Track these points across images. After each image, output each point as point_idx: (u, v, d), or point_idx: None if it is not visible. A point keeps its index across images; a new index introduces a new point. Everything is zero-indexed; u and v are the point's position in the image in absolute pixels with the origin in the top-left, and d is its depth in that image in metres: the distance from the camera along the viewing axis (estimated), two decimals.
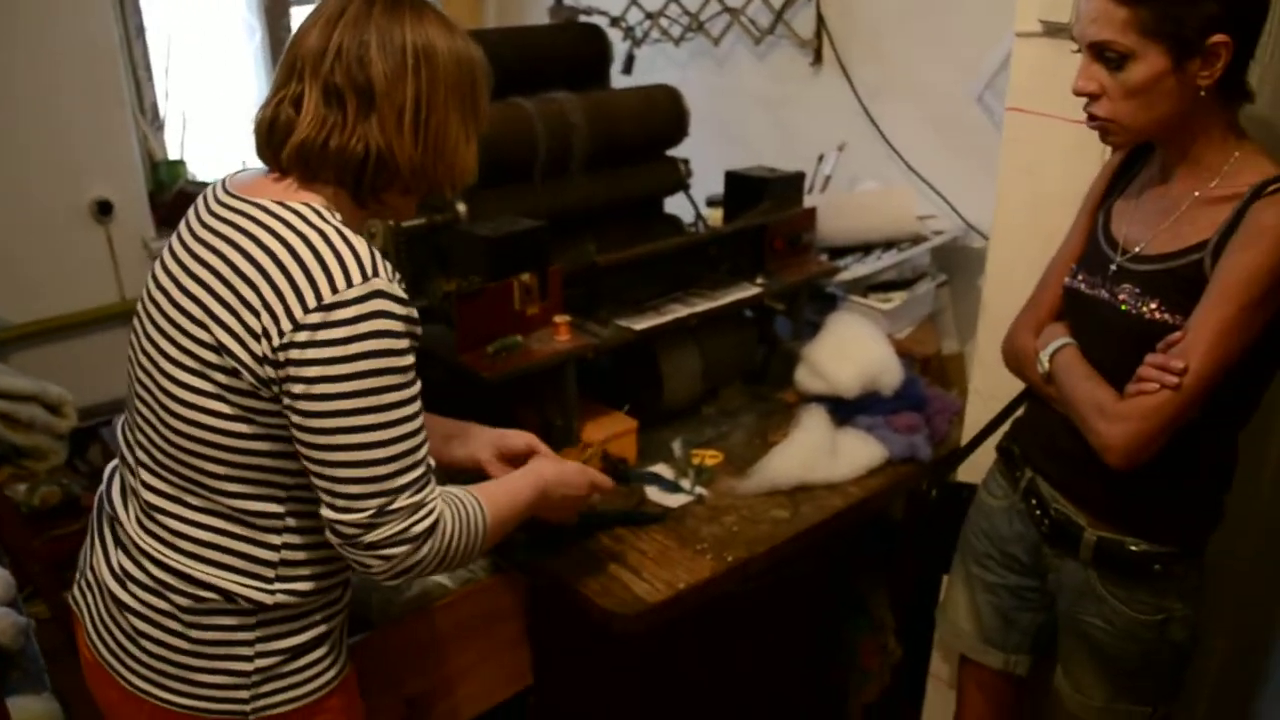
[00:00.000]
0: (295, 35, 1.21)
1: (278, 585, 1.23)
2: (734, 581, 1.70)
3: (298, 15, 3.63)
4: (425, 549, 1.17)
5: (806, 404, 2.03)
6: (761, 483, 1.87)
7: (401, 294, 1.14)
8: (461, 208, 1.99)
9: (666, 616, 1.62)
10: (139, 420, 1.26)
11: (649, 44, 3.11)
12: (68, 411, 2.78)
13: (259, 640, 1.24)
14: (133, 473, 1.28)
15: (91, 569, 1.33)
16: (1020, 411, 1.67)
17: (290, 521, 1.23)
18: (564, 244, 2.04)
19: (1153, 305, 1.34)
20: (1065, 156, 1.68)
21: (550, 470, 1.46)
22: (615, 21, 3.10)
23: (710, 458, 1.97)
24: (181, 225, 1.25)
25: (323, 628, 1.30)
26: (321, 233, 1.13)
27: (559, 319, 1.82)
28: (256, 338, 1.11)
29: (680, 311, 1.97)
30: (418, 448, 1.16)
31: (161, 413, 1.20)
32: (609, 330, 1.88)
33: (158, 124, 3.43)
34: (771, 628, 2.09)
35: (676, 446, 1.97)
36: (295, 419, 1.12)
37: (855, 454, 1.93)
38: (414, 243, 1.99)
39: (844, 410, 2.02)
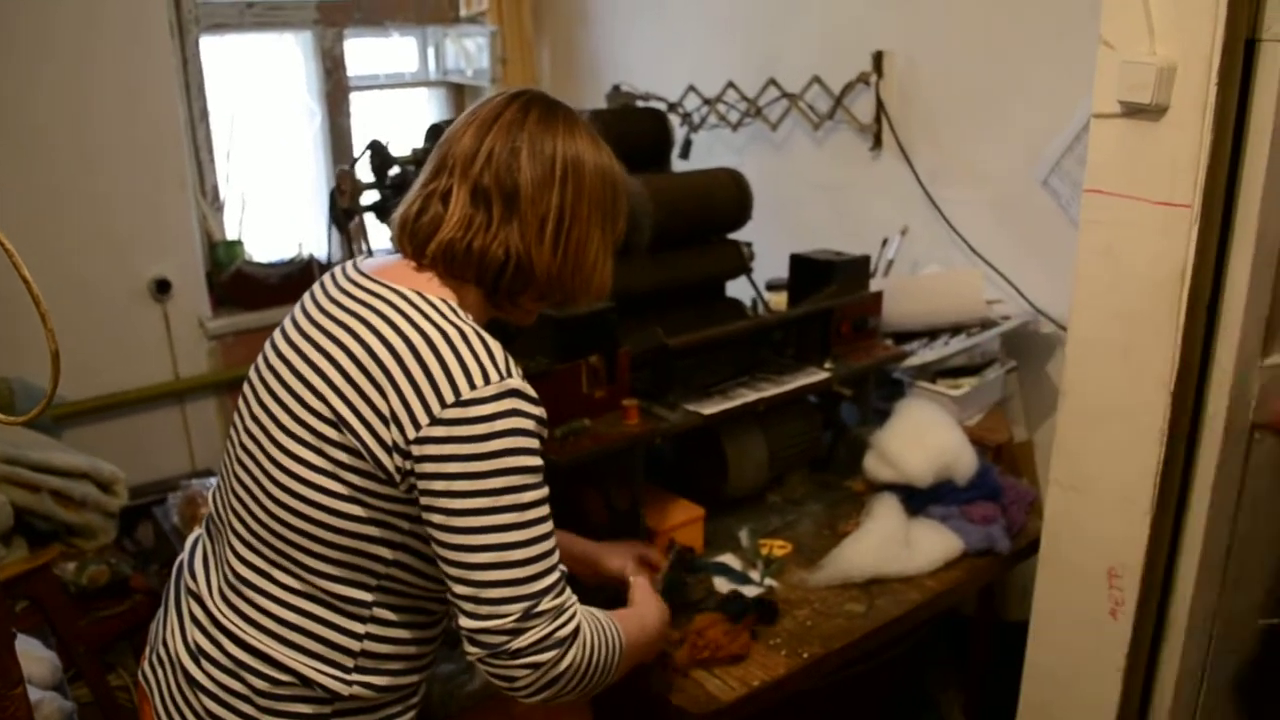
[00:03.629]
0: (448, 135, 1.24)
1: (355, 676, 1.19)
2: (809, 679, 1.63)
3: (358, 100, 3.70)
4: (570, 655, 1.14)
5: (877, 493, 1.97)
6: (834, 575, 1.80)
7: (533, 394, 1.14)
8: None
9: (740, 715, 1.54)
10: (238, 489, 1.23)
11: (706, 129, 3.12)
12: (119, 490, 2.75)
13: None
14: (224, 543, 1.25)
15: (165, 644, 1.28)
16: None
17: (377, 611, 1.20)
18: (627, 327, 2.02)
19: None
20: (1147, 238, 1.63)
21: (658, 616, 1.46)
22: (672, 107, 3.12)
23: (779, 548, 1.90)
24: (305, 300, 1.25)
25: None
26: (460, 330, 1.13)
27: (628, 402, 1.78)
28: (386, 423, 1.10)
29: (748, 396, 1.93)
30: (553, 550, 1.14)
31: (265, 482, 1.18)
32: (677, 414, 1.84)
33: (218, 205, 3.47)
34: None
35: (743, 536, 1.91)
36: (436, 519, 1.11)
37: (931, 546, 1.86)
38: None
39: (916, 500, 1.95)
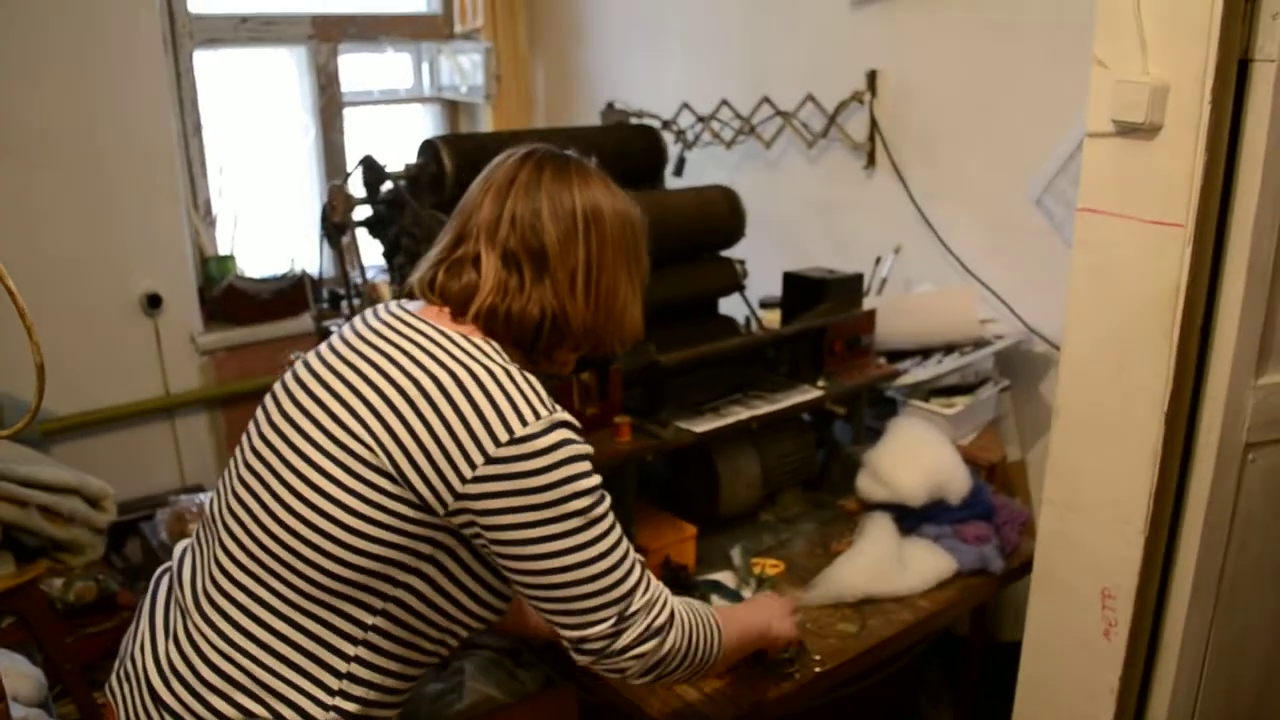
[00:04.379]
0: (466, 204, 1.28)
1: (337, 700, 1.17)
2: (801, 699, 1.62)
3: (352, 116, 3.70)
4: (671, 639, 1.22)
5: (870, 512, 1.96)
6: (826, 594, 1.79)
7: (578, 425, 1.18)
8: None
9: None
10: (248, 500, 1.20)
11: (700, 147, 3.13)
12: (107, 505, 2.73)
13: None
14: (218, 556, 1.22)
15: (133, 659, 1.26)
16: None
17: (371, 636, 1.19)
18: None
19: None
20: (1140, 257, 1.63)
21: (777, 604, 1.55)
22: (666, 125, 3.13)
23: (771, 567, 1.89)
24: (346, 330, 1.28)
25: None
26: (506, 370, 1.16)
27: (620, 419, 1.78)
28: (432, 457, 1.12)
29: (741, 414, 1.93)
30: (628, 550, 1.20)
31: (285, 494, 1.16)
32: (669, 431, 1.83)
33: (210, 219, 3.47)
34: None
35: (735, 554, 1.90)
36: (508, 551, 1.15)
37: (923, 565, 1.85)
38: None
39: (909, 519, 1.95)
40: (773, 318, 2.40)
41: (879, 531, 1.88)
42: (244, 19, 3.42)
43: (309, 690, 1.16)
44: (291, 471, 1.16)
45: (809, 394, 2.04)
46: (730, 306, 2.41)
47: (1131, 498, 1.52)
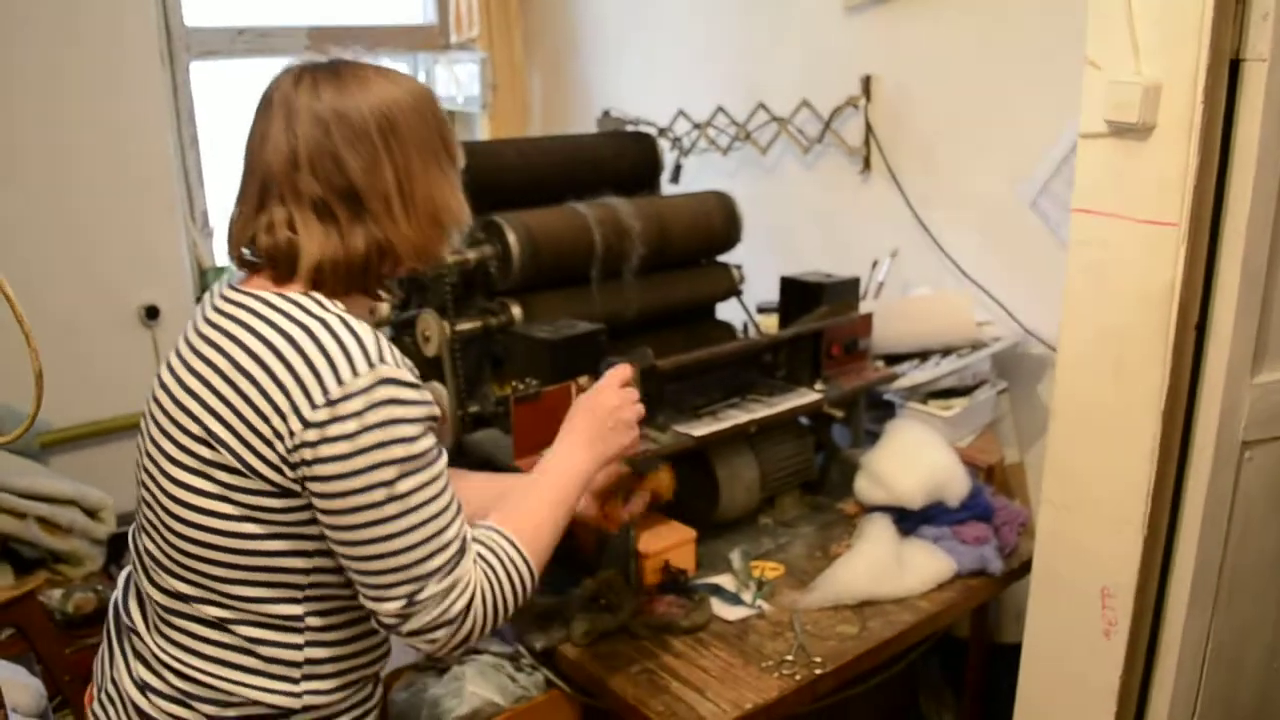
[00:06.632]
0: (251, 143, 1.17)
1: (304, 686, 1.18)
2: (802, 701, 1.62)
3: None
4: (468, 624, 1.14)
5: (868, 514, 1.96)
6: (826, 596, 1.79)
7: (410, 378, 1.10)
8: (516, 311, 1.97)
9: None
10: (147, 525, 1.21)
11: (696, 153, 3.13)
12: (106, 516, 2.73)
13: None
14: (147, 579, 1.22)
15: (113, 681, 1.26)
16: None
17: (311, 621, 1.18)
18: (618, 349, 2.01)
19: None
20: (1135, 257, 1.63)
21: (578, 416, 1.37)
22: (662, 132, 3.13)
23: (771, 570, 1.89)
24: (187, 326, 1.22)
25: None
26: (324, 322, 1.10)
27: None
28: (261, 436, 1.08)
29: (739, 418, 1.93)
30: (444, 529, 1.12)
31: (165, 516, 1.15)
32: (668, 436, 1.83)
33: (207, 231, 3.47)
34: None
35: (735, 558, 1.90)
36: (321, 518, 1.11)
37: (923, 567, 1.85)
38: (468, 346, 1.97)
39: (908, 521, 1.95)
40: (770, 322, 2.41)
41: (878, 533, 1.88)
42: (240, 31, 3.43)
43: (276, 685, 1.17)
44: (168, 497, 1.15)
45: (807, 397, 2.04)
46: (728, 311, 2.42)
47: (1130, 497, 1.53)
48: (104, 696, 1.28)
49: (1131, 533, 1.53)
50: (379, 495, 1.07)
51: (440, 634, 1.12)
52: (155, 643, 1.21)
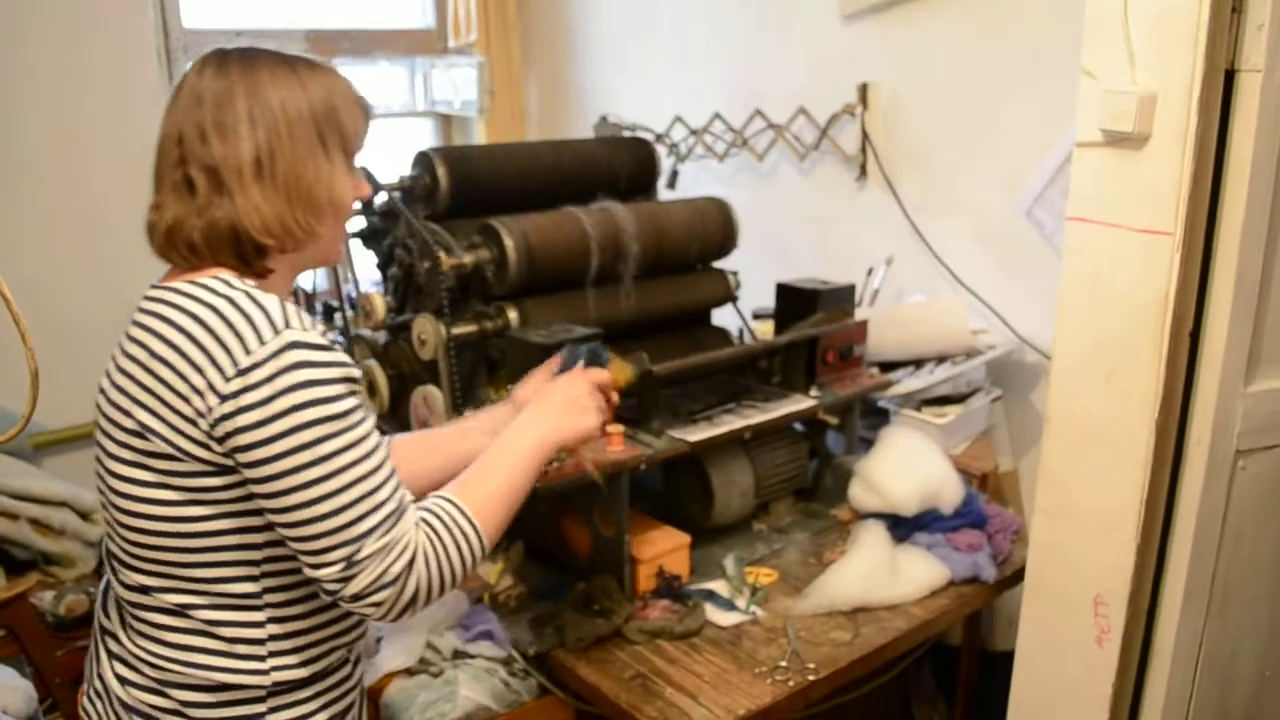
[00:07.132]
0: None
1: (271, 663, 1.18)
2: (795, 707, 1.62)
3: None
4: (412, 584, 1.13)
5: (862, 521, 1.97)
6: (820, 603, 1.79)
7: (320, 341, 1.10)
8: (513, 315, 1.98)
9: None
10: (107, 526, 1.23)
11: (693, 160, 3.14)
12: (98, 519, 2.73)
13: None
14: (116, 579, 1.24)
15: (99, 677, 1.29)
16: None
17: (269, 598, 1.18)
18: (614, 354, 2.02)
19: None
20: (1129, 265, 1.64)
21: (543, 393, 1.39)
22: (659, 138, 3.14)
23: (765, 576, 1.89)
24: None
25: (335, 708, 1.26)
26: (229, 299, 1.11)
27: (612, 429, 1.78)
28: (190, 420, 1.09)
29: (734, 423, 1.93)
30: (377, 489, 1.11)
31: (117, 513, 1.18)
32: (662, 441, 1.83)
33: None
34: None
35: (729, 564, 1.90)
36: (253, 489, 1.11)
37: (916, 574, 1.86)
38: (463, 349, 1.98)
39: (902, 528, 1.95)
40: (766, 328, 2.41)
41: (871, 540, 1.89)
42: (238, 33, 3.43)
43: (243, 664, 1.18)
44: (115, 493, 1.17)
45: (802, 404, 2.05)
46: (723, 317, 2.43)
47: (1123, 505, 1.53)
48: (92, 692, 1.31)
49: (1125, 541, 1.54)
50: (305, 458, 1.07)
51: (383, 595, 1.11)
52: (129, 639, 1.23)
